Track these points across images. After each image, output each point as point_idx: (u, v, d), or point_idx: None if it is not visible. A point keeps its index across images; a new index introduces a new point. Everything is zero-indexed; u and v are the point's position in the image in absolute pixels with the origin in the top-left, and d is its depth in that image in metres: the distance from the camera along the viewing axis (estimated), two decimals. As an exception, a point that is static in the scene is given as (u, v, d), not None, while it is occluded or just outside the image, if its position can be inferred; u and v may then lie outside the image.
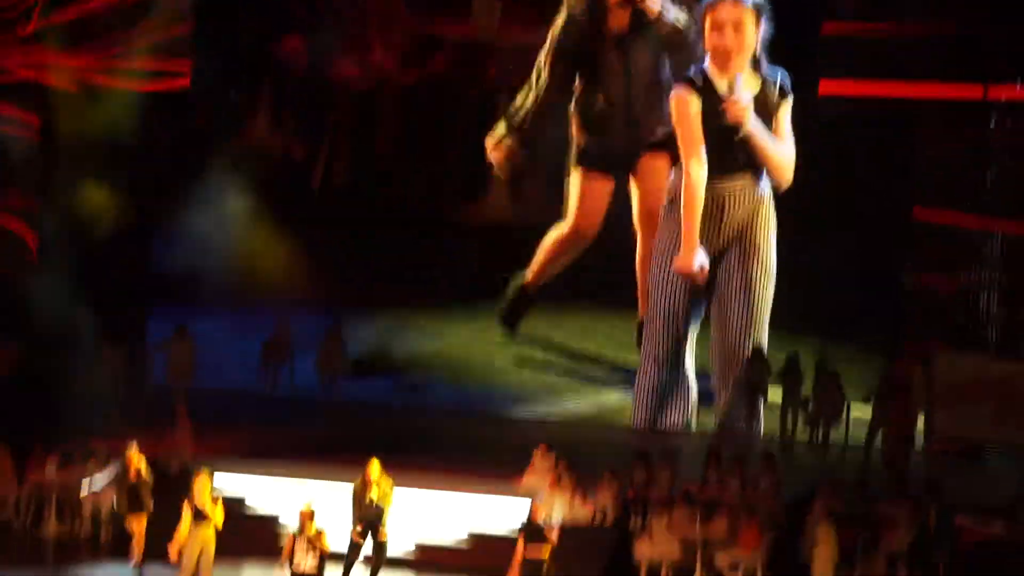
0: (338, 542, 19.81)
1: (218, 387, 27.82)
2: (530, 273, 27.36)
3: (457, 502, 22.12)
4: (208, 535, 18.76)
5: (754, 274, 23.66)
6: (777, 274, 23.79)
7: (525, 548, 18.67)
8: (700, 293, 23.65)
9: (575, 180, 26.55)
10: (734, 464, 22.51)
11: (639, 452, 22.82)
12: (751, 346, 23.58)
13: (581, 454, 23.00)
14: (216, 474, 20.28)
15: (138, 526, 20.43)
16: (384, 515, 19.62)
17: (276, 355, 27.77)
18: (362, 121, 29.78)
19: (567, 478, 22.05)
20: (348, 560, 19.56)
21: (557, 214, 26.86)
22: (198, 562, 18.54)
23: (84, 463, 22.91)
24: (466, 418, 26.35)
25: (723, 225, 23.14)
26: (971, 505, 21.26)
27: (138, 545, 20.41)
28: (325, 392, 27.75)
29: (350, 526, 19.71)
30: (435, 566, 21.23)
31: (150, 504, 20.69)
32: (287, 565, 17.15)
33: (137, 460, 20.68)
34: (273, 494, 22.26)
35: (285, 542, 17.23)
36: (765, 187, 23.26)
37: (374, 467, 19.60)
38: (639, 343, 25.44)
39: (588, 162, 26.39)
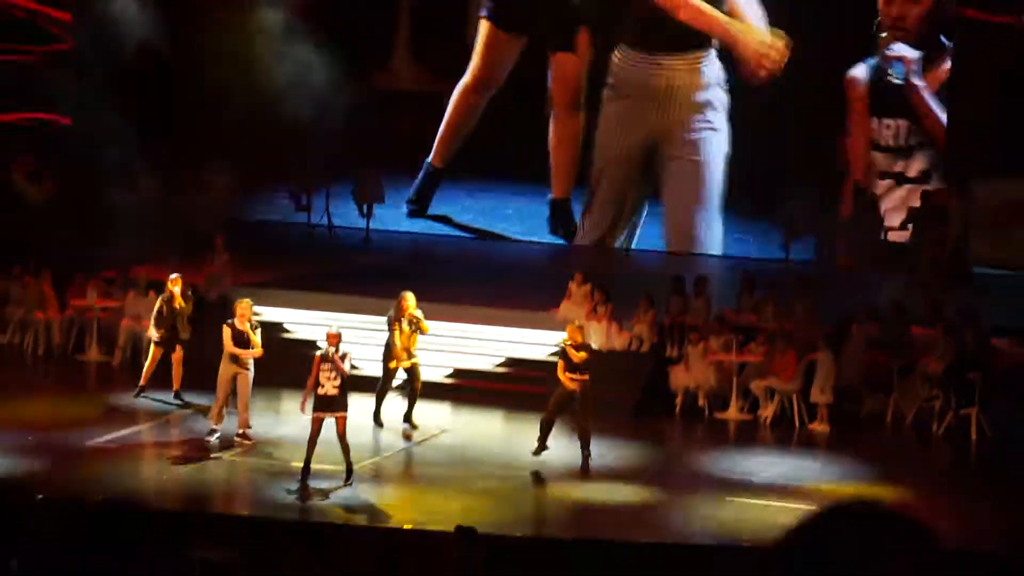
0: (367, 370, 20.17)
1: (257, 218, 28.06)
2: (434, 151, 27.87)
3: (494, 333, 22.23)
4: (246, 361, 18.80)
5: (705, 152, 24.31)
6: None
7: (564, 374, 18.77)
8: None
9: (481, 32, 27.03)
10: (769, 290, 22.57)
11: (675, 279, 22.86)
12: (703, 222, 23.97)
13: (617, 282, 23.06)
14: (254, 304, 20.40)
15: (175, 355, 20.59)
16: (414, 345, 19.69)
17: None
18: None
19: (603, 307, 22.10)
20: (381, 388, 19.73)
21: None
22: (233, 388, 18.66)
23: (124, 291, 23.10)
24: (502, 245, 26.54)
25: (671, 104, 23.31)
26: (1006, 328, 21.33)
27: (176, 375, 20.59)
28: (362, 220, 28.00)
29: (382, 356, 19.82)
30: (473, 392, 21.41)
31: (187, 334, 20.81)
32: (312, 388, 17.23)
33: (176, 290, 20.75)
34: (310, 323, 22.43)
35: (312, 363, 17.29)
36: (714, 68, 23.37)
37: (409, 299, 19.66)
38: (552, 225, 26.18)
39: (495, 18, 26.84)
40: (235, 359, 18.71)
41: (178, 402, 20.46)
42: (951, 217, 24.65)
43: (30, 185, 26.66)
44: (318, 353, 17.42)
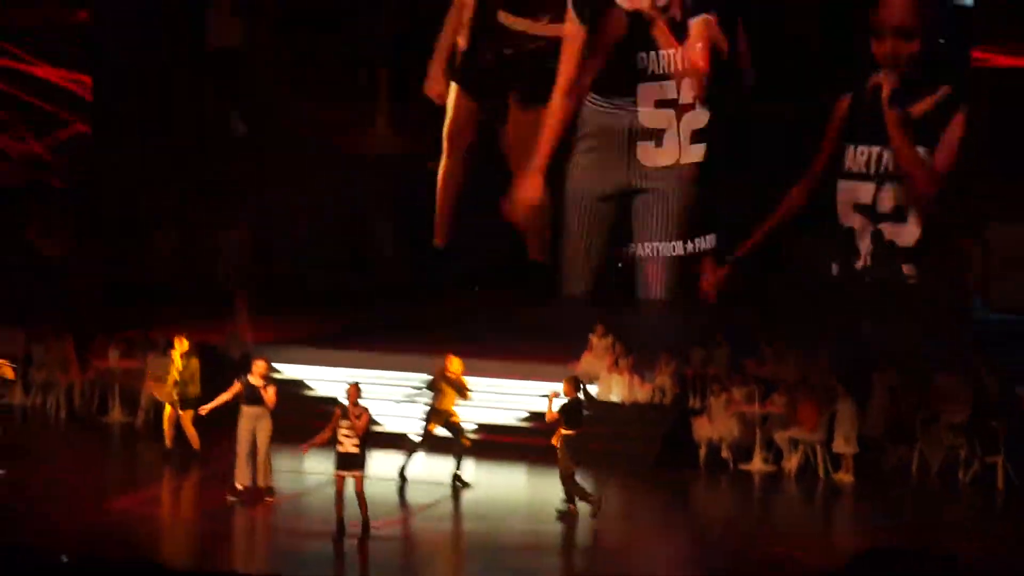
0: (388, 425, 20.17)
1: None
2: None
3: (516, 387, 22.22)
4: (263, 416, 18.80)
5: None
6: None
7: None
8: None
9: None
10: (790, 340, 22.56)
11: (697, 331, 22.87)
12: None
13: (638, 334, 23.05)
14: (276, 362, 20.43)
15: (185, 415, 20.46)
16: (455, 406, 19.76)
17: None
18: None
19: (624, 359, 22.09)
20: (416, 447, 19.66)
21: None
22: (254, 443, 18.65)
23: (145, 351, 23.13)
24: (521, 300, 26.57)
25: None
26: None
27: (190, 434, 20.49)
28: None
29: (424, 417, 19.88)
30: (496, 447, 21.38)
31: (197, 392, 20.67)
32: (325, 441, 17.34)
33: (184, 351, 20.68)
34: (331, 380, 22.45)
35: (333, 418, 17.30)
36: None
37: (455, 363, 19.61)
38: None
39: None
40: (251, 415, 18.73)
41: (201, 461, 20.40)
42: (968, 261, 24.65)
43: (45, 242, 26.76)
44: (338, 409, 17.42)
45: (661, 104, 27.45)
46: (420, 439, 19.86)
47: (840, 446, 20.46)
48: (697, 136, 27.44)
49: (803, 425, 20.77)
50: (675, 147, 27.46)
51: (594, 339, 22.59)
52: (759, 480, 20.67)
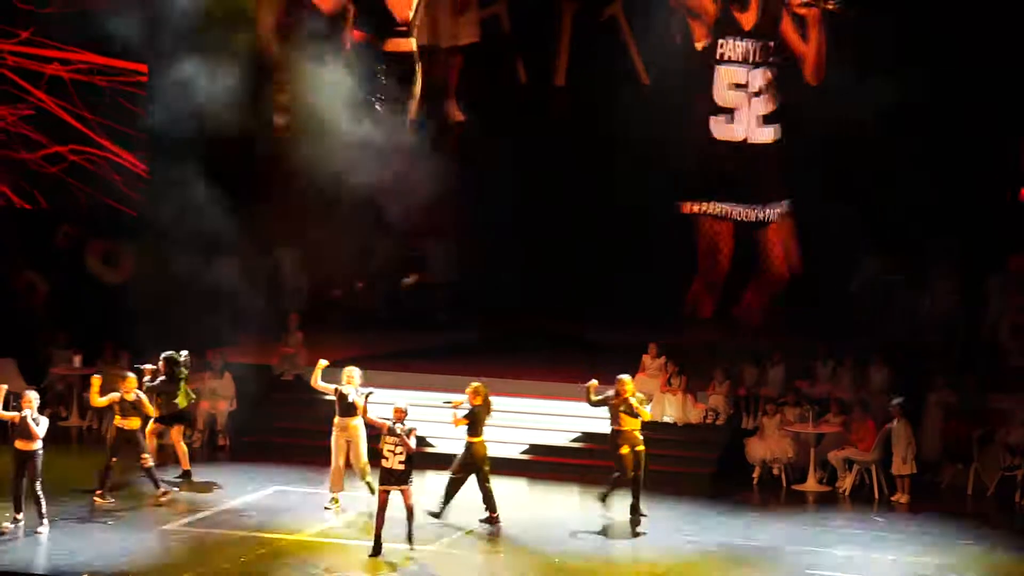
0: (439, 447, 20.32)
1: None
2: None
3: (567, 407, 22.17)
4: (353, 428, 19.17)
5: None
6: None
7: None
8: None
9: None
10: (845, 360, 22.41)
11: (749, 350, 22.78)
12: None
13: (691, 354, 22.97)
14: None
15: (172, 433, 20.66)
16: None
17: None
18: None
19: (677, 378, 22.03)
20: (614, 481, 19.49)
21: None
22: (347, 454, 19.24)
23: (200, 373, 23.24)
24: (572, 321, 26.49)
25: None
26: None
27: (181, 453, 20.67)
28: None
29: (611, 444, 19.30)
30: (547, 467, 21.37)
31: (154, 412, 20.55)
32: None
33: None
34: (383, 402, 22.47)
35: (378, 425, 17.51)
36: None
37: (628, 384, 19.08)
38: None
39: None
40: (344, 427, 19.17)
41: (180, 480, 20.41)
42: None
43: (106, 268, 26.94)
44: (386, 422, 17.47)
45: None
46: (618, 469, 19.15)
47: (898, 467, 20.28)
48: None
49: (858, 445, 20.64)
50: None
51: (647, 359, 22.53)
52: (813, 500, 20.54)
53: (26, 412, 18.03)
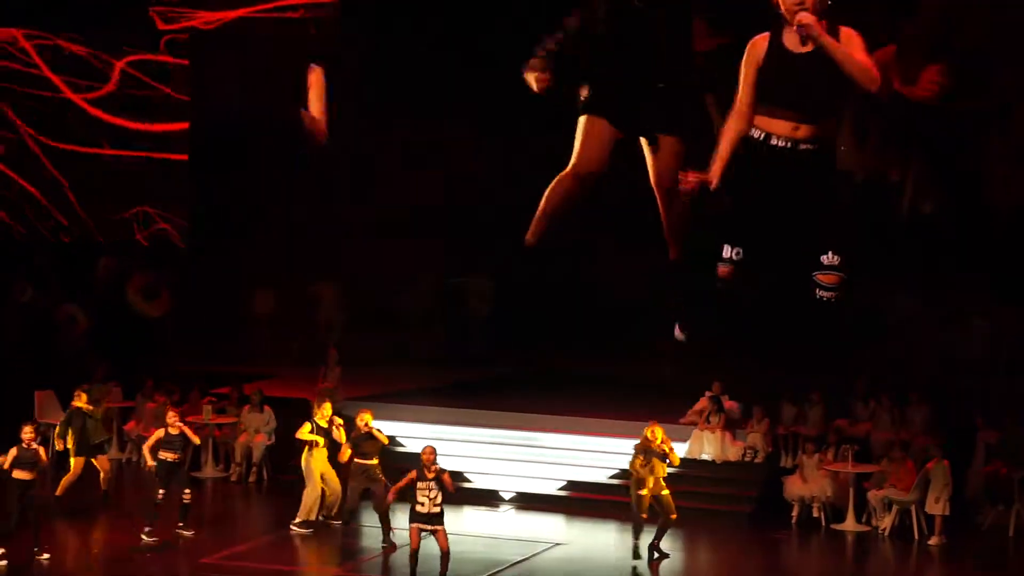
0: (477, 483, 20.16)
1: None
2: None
3: (608, 445, 22.12)
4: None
5: None
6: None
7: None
8: None
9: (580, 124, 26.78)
10: (884, 399, 22.33)
11: (788, 389, 22.70)
12: None
13: (729, 391, 22.90)
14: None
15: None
16: None
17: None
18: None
19: (716, 416, 21.98)
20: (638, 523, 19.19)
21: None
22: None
23: (239, 407, 23.34)
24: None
25: None
26: None
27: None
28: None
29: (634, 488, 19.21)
30: (586, 505, 21.34)
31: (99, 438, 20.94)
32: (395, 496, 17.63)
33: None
34: (423, 437, 22.48)
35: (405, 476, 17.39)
36: None
37: (657, 432, 19.00)
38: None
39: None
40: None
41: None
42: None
43: (146, 302, 27.06)
44: (413, 471, 17.35)
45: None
46: (638, 512, 19.01)
47: (931, 507, 20.15)
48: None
49: (897, 485, 20.54)
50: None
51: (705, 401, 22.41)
52: (852, 540, 20.45)
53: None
